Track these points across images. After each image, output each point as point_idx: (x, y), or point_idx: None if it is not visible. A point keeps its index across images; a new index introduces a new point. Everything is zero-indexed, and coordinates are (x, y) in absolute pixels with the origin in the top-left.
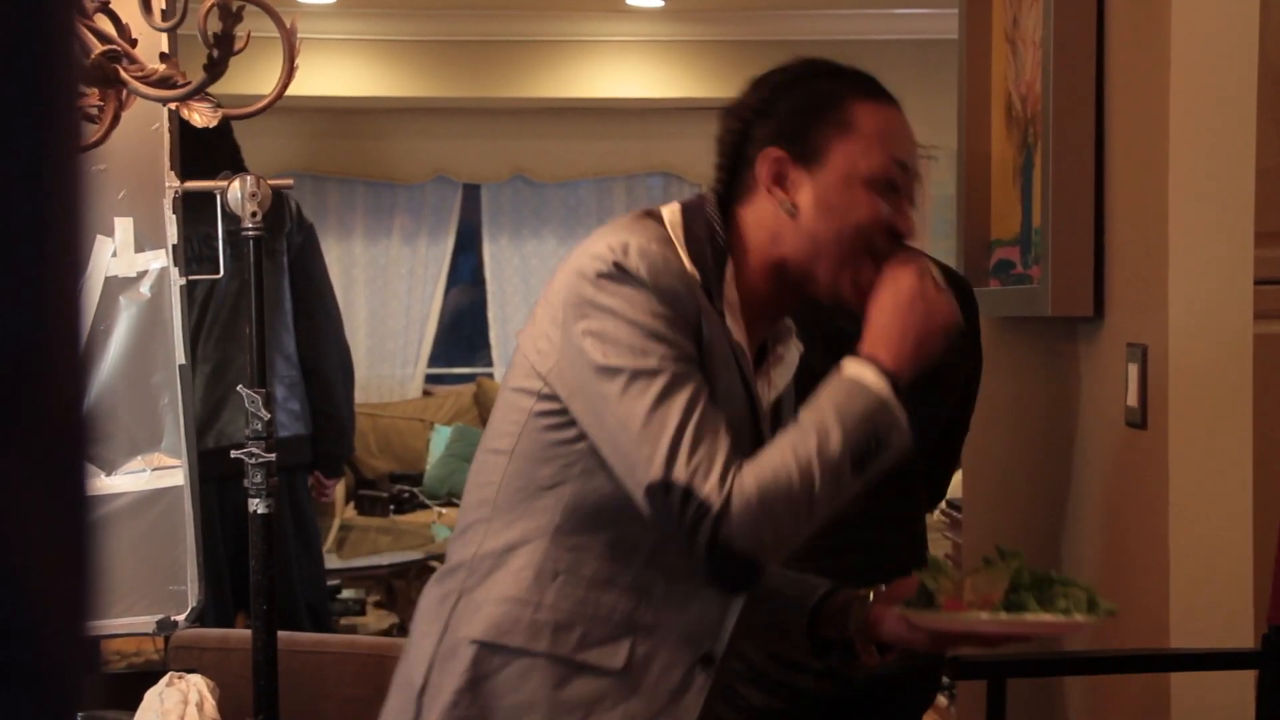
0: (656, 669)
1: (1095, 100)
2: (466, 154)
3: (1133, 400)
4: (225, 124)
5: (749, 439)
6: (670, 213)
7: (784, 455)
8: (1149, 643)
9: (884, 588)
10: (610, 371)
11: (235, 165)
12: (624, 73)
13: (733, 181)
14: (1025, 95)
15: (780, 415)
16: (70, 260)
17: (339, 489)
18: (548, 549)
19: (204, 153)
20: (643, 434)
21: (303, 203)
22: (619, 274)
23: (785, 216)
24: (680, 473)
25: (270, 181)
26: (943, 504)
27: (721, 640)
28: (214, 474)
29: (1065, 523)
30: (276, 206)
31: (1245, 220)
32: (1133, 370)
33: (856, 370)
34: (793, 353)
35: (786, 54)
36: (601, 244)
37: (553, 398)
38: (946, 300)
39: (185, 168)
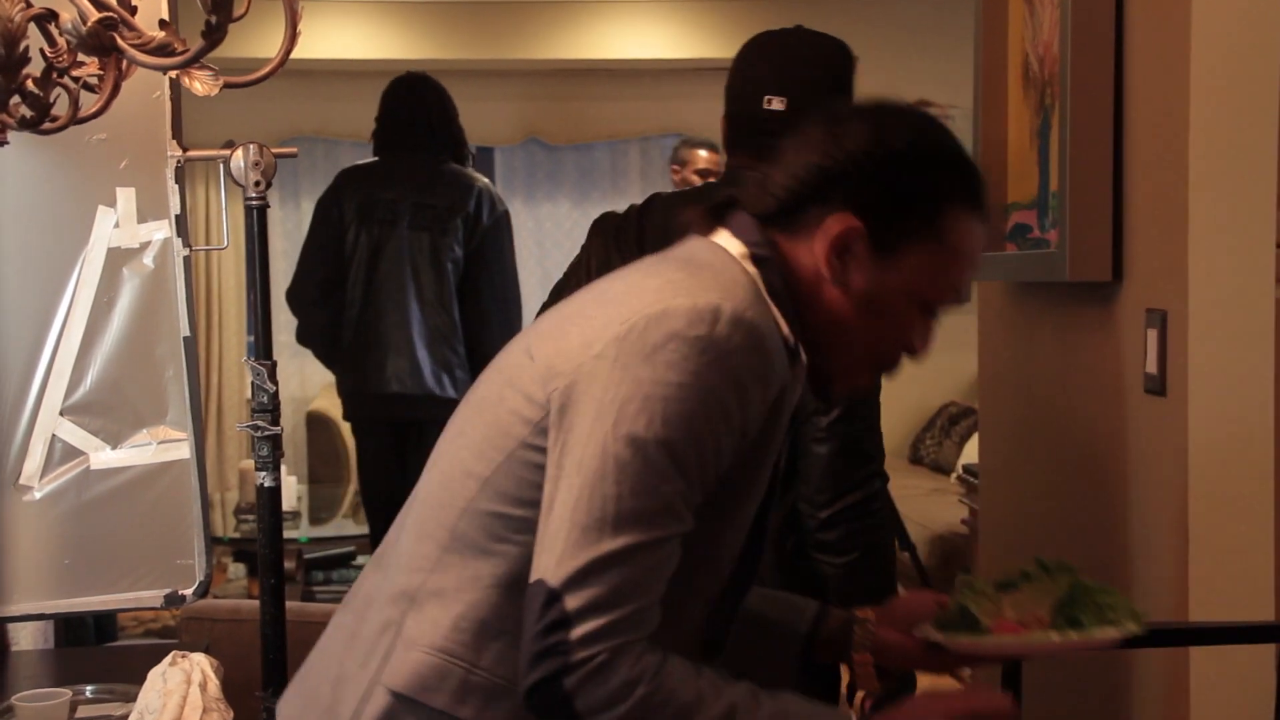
0: None
1: (1114, 61)
2: (479, 116)
3: (1152, 367)
4: (452, 109)
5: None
6: (744, 260)
7: (703, 699)
8: (1167, 616)
9: (882, 607)
10: (629, 444)
11: (459, 153)
12: (638, 33)
13: (784, 212)
14: (1043, 56)
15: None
16: None
17: None
18: (497, 602)
19: (428, 137)
20: (584, 531)
21: (313, 168)
22: (701, 349)
23: (830, 284)
24: (573, 599)
25: (275, 150)
26: (959, 470)
27: None
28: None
29: (1082, 492)
30: (462, 189)
31: (1267, 182)
32: (1152, 336)
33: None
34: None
35: (800, 13)
36: (689, 299)
37: (547, 432)
38: None
39: (403, 149)
